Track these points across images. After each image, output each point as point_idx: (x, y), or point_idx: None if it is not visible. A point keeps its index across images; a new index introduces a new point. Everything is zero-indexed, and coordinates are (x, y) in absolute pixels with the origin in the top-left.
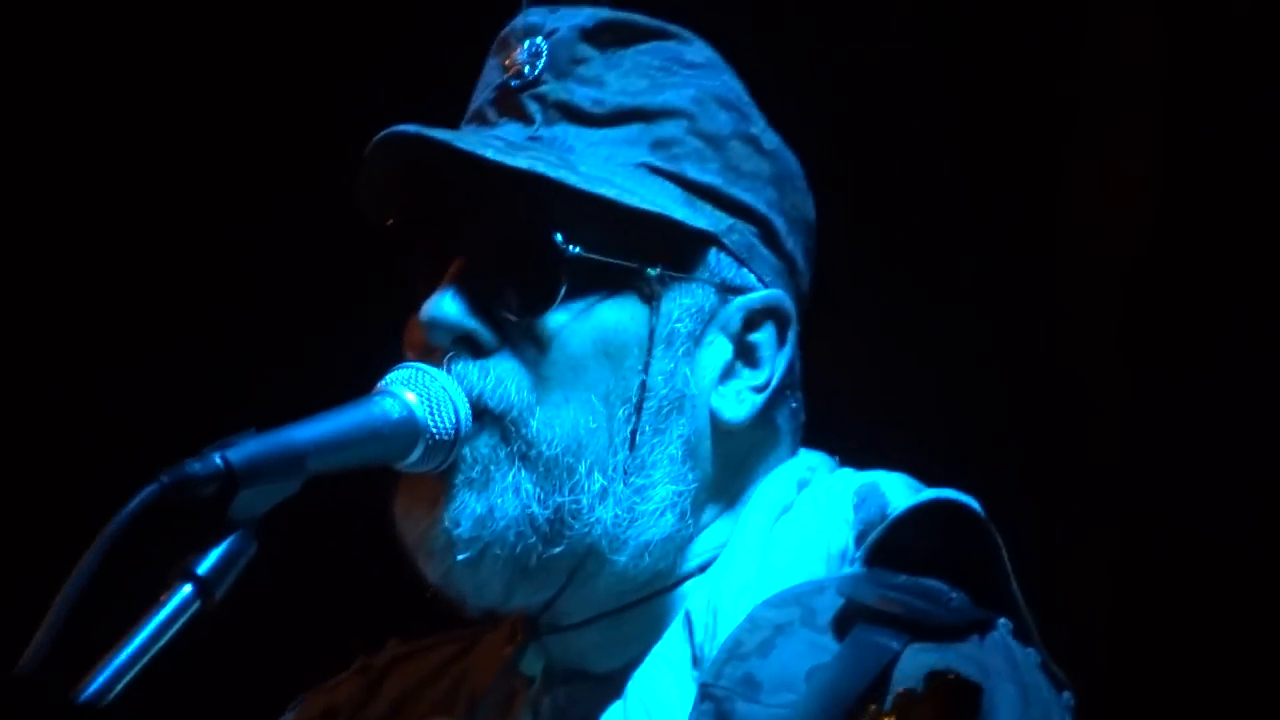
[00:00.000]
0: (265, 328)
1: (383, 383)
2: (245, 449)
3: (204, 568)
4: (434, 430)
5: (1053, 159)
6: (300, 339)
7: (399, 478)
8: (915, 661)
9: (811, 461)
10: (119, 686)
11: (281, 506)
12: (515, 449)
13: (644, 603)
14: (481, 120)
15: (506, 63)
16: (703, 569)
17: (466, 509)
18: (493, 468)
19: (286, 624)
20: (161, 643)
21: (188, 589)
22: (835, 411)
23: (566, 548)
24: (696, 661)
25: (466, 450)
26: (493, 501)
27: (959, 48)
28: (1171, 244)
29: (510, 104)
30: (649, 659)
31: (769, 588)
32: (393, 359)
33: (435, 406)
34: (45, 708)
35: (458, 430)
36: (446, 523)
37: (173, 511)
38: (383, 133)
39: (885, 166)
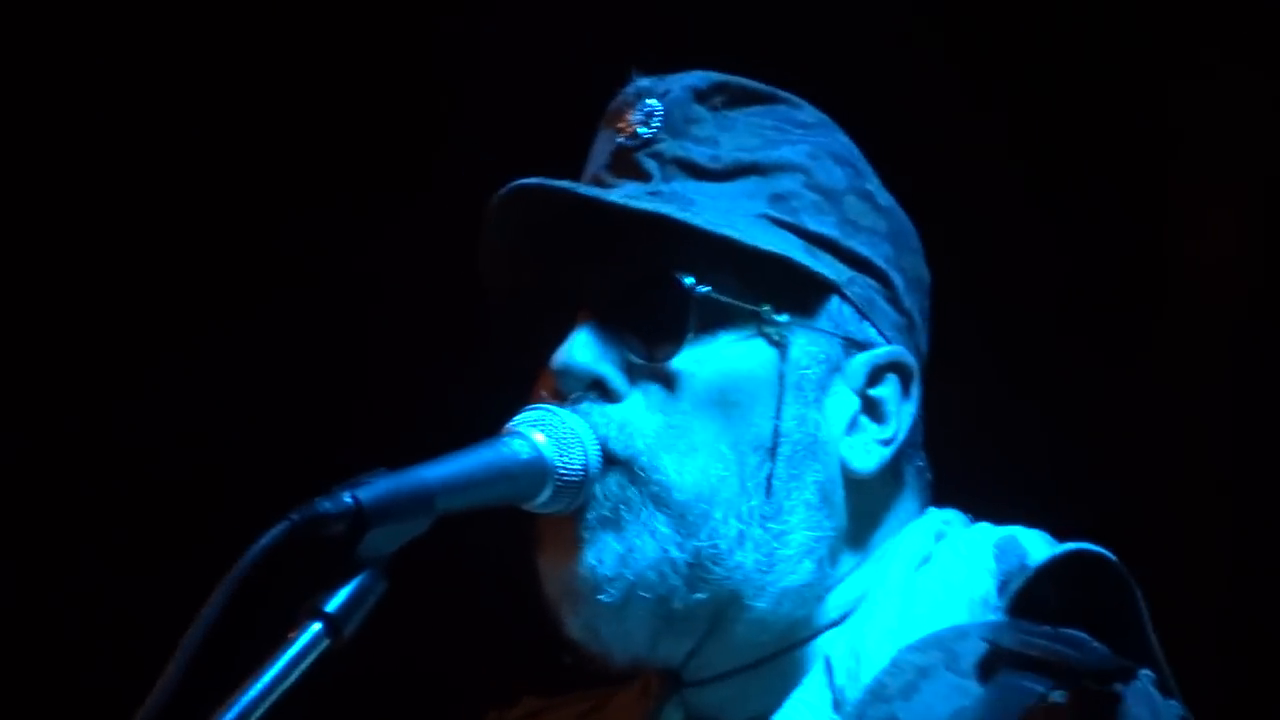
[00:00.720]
0: (385, 369)
1: (511, 424)
2: (375, 488)
3: (333, 606)
4: (563, 471)
5: (1156, 205)
6: (422, 379)
7: (538, 529)
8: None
9: (946, 516)
10: None
11: (426, 555)
12: (647, 491)
13: (783, 654)
14: (598, 184)
15: (620, 125)
16: (839, 621)
17: (608, 548)
18: (623, 508)
19: (419, 676)
20: (289, 681)
21: (316, 627)
22: (946, 466)
23: (710, 594)
24: (837, 705)
25: (598, 489)
26: (631, 542)
27: (1062, 95)
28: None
29: (627, 164)
30: (788, 703)
31: (912, 633)
32: (518, 401)
33: (564, 447)
34: None
35: (586, 471)
36: (591, 560)
37: (302, 550)
38: (505, 188)
39: (980, 214)
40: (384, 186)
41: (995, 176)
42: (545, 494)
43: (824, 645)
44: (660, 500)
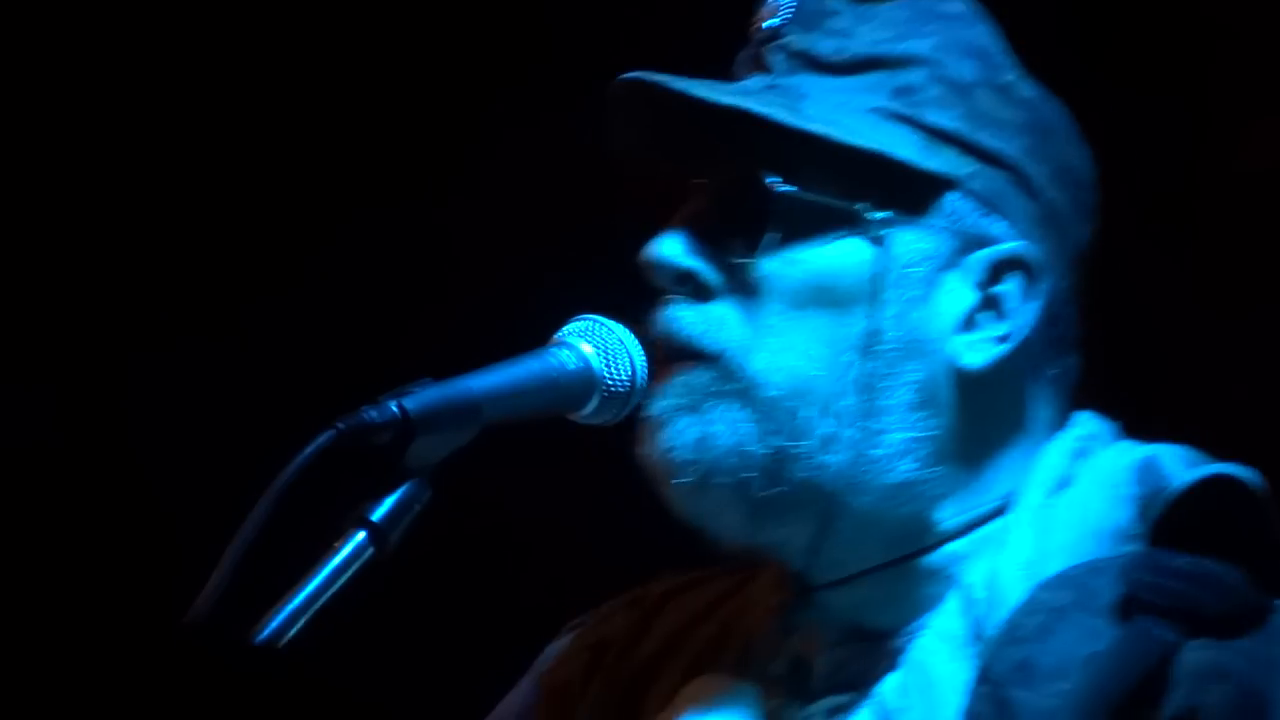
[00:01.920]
0: (436, 284)
1: (559, 334)
2: (421, 397)
3: (378, 515)
4: (610, 382)
5: (1199, 115)
6: (471, 293)
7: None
8: (1194, 659)
9: (1090, 429)
10: (293, 632)
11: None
12: (734, 387)
13: (908, 561)
14: (732, 77)
15: (759, 19)
16: (964, 530)
17: (683, 434)
18: (705, 400)
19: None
20: (335, 589)
21: (361, 536)
22: None
23: (790, 490)
24: (975, 638)
25: (682, 380)
26: (707, 429)
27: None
28: None
29: (756, 58)
30: (927, 630)
31: (1048, 565)
32: (565, 312)
33: (611, 358)
34: (221, 649)
35: (633, 382)
36: (665, 445)
37: (349, 458)
38: (616, 80)
39: None
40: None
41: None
42: (592, 404)
43: (954, 560)
44: (746, 396)
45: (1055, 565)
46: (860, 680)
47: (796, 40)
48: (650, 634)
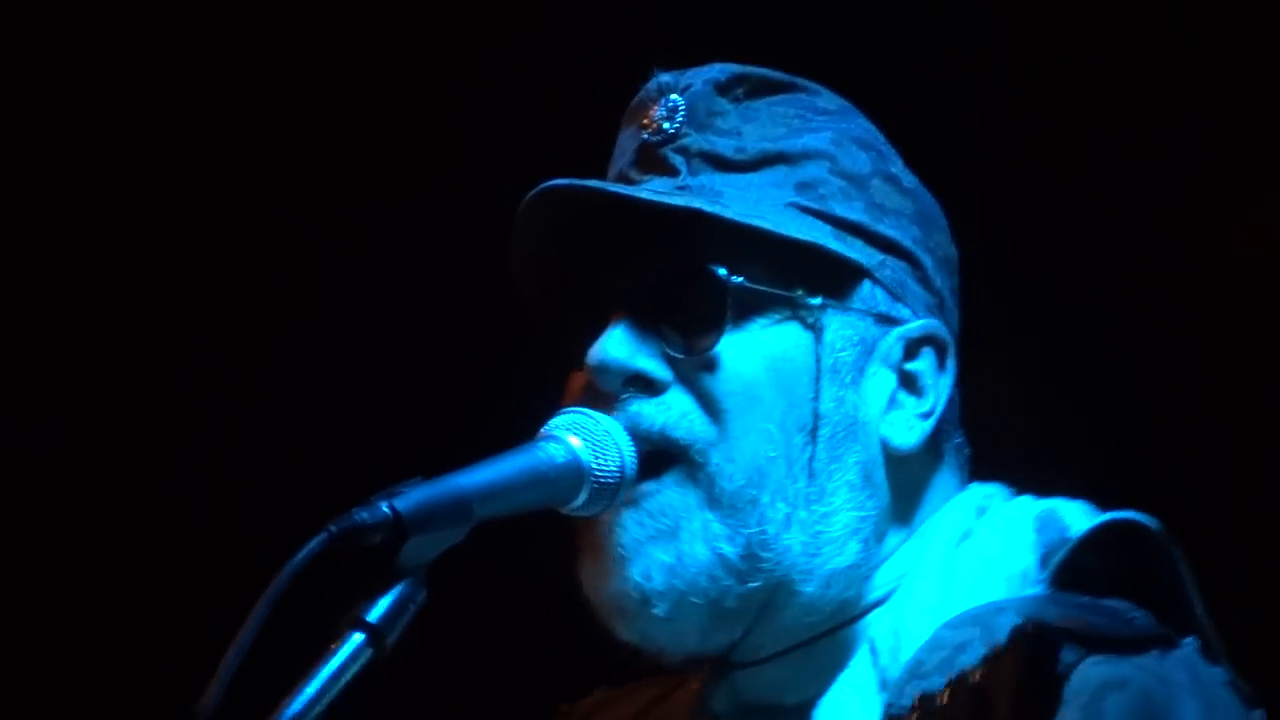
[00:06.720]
0: (419, 380)
1: (546, 428)
2: (412, 497)
3: (374, 615)
4: (599, 473)
5: (1198, 180)
6: (453, 389)
7: (579, 538)
8: (1090, 673)
9: (988, 490)
10: None
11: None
12: (701, 490)
13: (830, 634)
14: (625, 181)
15: (644, 122)
16: (885, 599)
17: (655, 561)
18: (682, 516)
19: (490, 675)
20: (334, 691)
21: (359, 637)
22: (991, 448)
23: (762, 582)
24: (883, 685)
25: (652, 502)
26: (681, 549)
27: (1099, 68)
28: None
29: (653, 160)
30: (835, 685)
31: (951, 610)
32: (551, 407)
33: (600, 449)
34: None
35: (623, 473)
36: (638, 578)
37: (342, 561)
38: (535, 189)
39: (1020, 193)
40: (413, 192)
41: (1035, 149)
42: (582, 497)
43: (869, 624)
44: (712, 495)
45: (958, 608)
46: None
47: (694, 141)
48: None
